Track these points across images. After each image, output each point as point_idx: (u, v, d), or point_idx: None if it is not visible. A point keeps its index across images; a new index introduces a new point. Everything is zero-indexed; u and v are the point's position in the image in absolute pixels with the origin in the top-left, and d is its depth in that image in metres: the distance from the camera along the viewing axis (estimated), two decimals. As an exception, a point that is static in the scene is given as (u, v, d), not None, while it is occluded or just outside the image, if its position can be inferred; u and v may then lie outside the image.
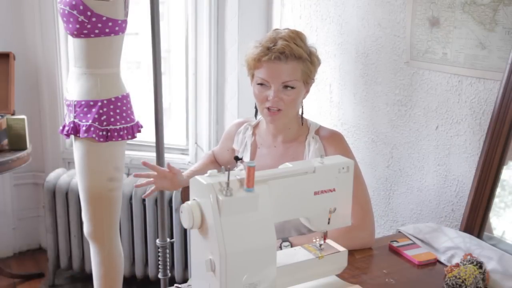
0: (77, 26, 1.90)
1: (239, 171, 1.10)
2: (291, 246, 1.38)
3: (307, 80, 1.52)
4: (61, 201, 2.72)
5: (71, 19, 1.90)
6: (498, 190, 1.50)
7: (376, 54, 1.98)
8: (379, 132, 2.00)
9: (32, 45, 2.93)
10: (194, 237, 1.07)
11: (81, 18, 1.88)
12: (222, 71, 2.74)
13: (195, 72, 2.80)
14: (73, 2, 1.87)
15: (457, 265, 1.26)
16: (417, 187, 1.87)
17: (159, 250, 2.30)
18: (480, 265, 1.26)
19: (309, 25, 2.33)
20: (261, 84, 1.49)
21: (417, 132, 1.85)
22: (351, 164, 1.20)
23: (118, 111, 2.00)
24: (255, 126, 1.67)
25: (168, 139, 2.61)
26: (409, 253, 1.42)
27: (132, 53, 3.01)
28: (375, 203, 1.99)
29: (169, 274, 2.35)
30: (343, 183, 1.19)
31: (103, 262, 2.09)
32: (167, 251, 2.31)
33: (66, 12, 1.90)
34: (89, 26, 1.90)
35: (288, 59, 1.45)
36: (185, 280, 2.70)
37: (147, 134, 2.39)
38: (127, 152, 2.19)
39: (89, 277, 2.49)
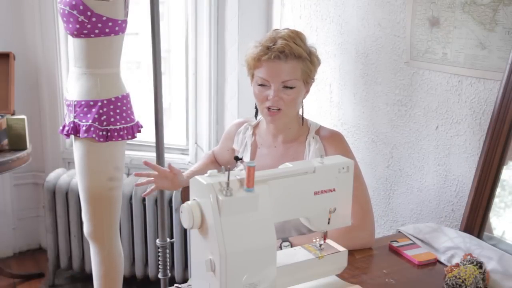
0: (77, 26, 1.90)
1: (239, 171, 1.10)
2: (291, 246, 1.38)
3: (307, 79, 1.52)
4: (61, 201, 2.72)
5: (71, 19, 1.90)
6: (498, 190, 1.50)
7: (376, 54, 1.98)
8: (379, 132, 2.00)
9: (32, 45, 2.93)
10: (194, 237, 1.07)
11: (81, 18, 1.88)
12: (222, 71, 2.74)
13: (195, 72, 2.80)
14: (73, 2, 1.87)
15: (457, 265, 1.26)
16: (417, 187, 1.87)
17: (159, 250, 2.30)
18: (480, 265, 1.26)
19: (309, 25, 2.33)
20: (261, 84, 1.49)
21: (417, 132, 1.85)
22: (351, 164, 1.20)
23: (118, 111, 2.00)
24: (255, 126, 1.67)
25: (168, 139, 2.61)
26: (409, 253, 1.42)
27: (132, 53, 3.01)
28: (375, 203, 1.99)
29: (169, 274, 2.35)
30: (343, 183, 1.19)
31: (103, 262, 2.09)
32: (167, 251, 2.31)
33: (66, 12, 1.90)
34: (89, 26, 1.90)
35: (288, 58, 1.45)
36: (185, 280, 2.70)
37: (147, 134, 2.39)
38: (127, 152, 2.19)
39: (89, 277, 2.49)
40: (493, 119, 1.50)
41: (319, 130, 1.58)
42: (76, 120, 1.99)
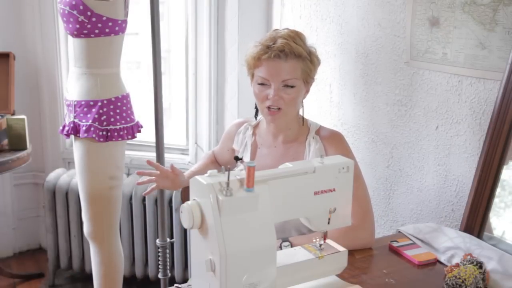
0: (77, 26, 1.90)
1: (239, 171, 1.10)
2: (291, 246, 1.38)
3: (307, 79, 1.52)
4: (61, 201, 2.72)
5: (71, 19, 1.90)
6: (498, 190, 1.50)
7: (376, 54, 1.98)
8: (379, 132, 2.00)
9: (32, 45, 2.93)
10: (194, 237, 1.07)
11: (81, 18, 1.88)
12: (222, 71, 2.74)
13: (195, 72, 2.80)
14: (73, 2, 1.87)
15: (457, 265, 1.26)
16: (417, 187, 1.87)
17: (159, 250, 2.30)
18: (480, 265, 1.26)
19: (309, 25, 2.33)
20: (261, 83, 1.49)
21: (417, 132, 1.85)
22: (351, 164, 1.20)
23: (118, 111, 2.00)
24: (255, 126, 1.67)
25: (168, 139, 2.61)
26: (409, 253, 1.42)
27: (132, 53, 3.01)
28: (375, 203, 1.99)
29: (169, 274, 2.35)
30: (343, 183, 1.19)
31: (103, 262, 2.09)
32: (167, 251, 2.31)
33: (66, 12, 1.90)
34: (89, 26, 1.90)
35: (288, 57, 1.45)
36: (185, 280, 2.70)
37: (147, 134, 2.39)
38: (127, 152, 2.19)
39: (89, 277, 2.49)
40: (493, 119, 1.50)
41: (319, 130, 1.58)
42: (76, 120, 1.99)
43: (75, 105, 2.00)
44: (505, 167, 1.49)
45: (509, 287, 1.25)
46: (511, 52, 1.47)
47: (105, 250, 2.09)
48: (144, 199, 2.66)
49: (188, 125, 2.90)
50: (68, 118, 2.04)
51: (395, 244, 1.47)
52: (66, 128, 2.01)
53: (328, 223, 1.20)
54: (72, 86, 2.02)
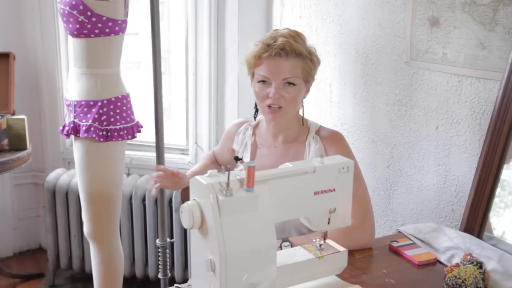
0: (77, 26, 1.90)
1: (239, 171, 1.10)
2: (291, 246, 1.38)
3: (307, 78, 1.52)
4: (61, 201, 2.72)
5: (71, 19, 1.90)
6: (498, 190, 1.50)
7: (376, 54, 1.98)
8: (379, 132, 2.00)
9: (32, 45, 2.93)
10: (194, 237, 1.07)
11: (81, 18, 1.88)
12: (222, 71, 2.74)
13: (195, 72, 2.80)
14: (73, 2, 1.87)
15: (457, 265, 1.26)
16: (417, 187, 1.87)
17: (159, 250, 2.30)
18: (480, 265, 1.26)
19: (309, 25, 2.33)
20: (262, 81, 1.49)
21: (417, 132, 1.85)
22: (351, 164, 1.20)
23: (118, 111, 2.00)
24: (255, 126, 1.67)
25: (168, 139, 2.61)
26: (409, 253, 1.42)
27: (132, 53, 3.01)
28: (375, 203, 1.99)
29: (169, 274, 2.34)
30: (343, 183, 1.19)
31: (103, 262, 2.09)
32: (167, 251, 2.31)
33: (66, 12, 1.90)
34: (89, 26, 1.90)
35: (288, 55, 1.46)
36: (185, 280, 2.70)
37: (147, 134, 2.39)
38: (127, 152, 2.19)
39: (89, 277, 2.49)
40: (493, 119, 1.50)
41: (319, 130, 1.58)
42: (76, 120, 1.99)
43: (75, 105, 2.00)
44: (505, 166, 1.49)
45: (509, 287, 1.25)
46: (511, 52, 1.47)
47: (105, 250, 2.09)
48: (144, 199, 2.66)
49: (188, 125, 2.90)
50: (68, 118, 2.04)
51: (395, 244, 1.47)
52: (66, 128, 2.01)
53: (328, 223, 1.20)
54: (72, 86, 2.02)
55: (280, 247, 1.38)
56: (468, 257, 1.30)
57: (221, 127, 2.78)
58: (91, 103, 1.97)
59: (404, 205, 1.93)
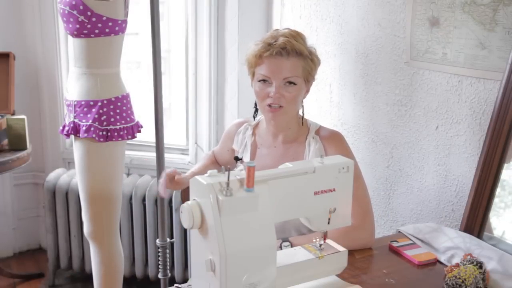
0: (77, 26, 1.90)
1: (239, 171, 1.10)
2: (291, 246, 1.38)
3: (308, 77, 1.52)
4: (61, 201, 2.72)
5: (71, 19, 1.90)
6: (498, 190, 1.50)
7: (376, 54, 1.98)
8: (379, 132, 2.00)
9: (32, 45, 2.93)
10: (194, 237, 1.07)
11: (81, 18, 1.88)
12: (222, 71, 2.74)
13: (195, 72, 2.80)
14: (73, 2, 1.87)
15: (457, 265, 1.26)
16: (417, 187, 1.87)
17: (159, 250, 2.30)
18: (480, 265, 1.26)
19: (309, 25, 2.33)
20: (262, 80, 1.49)
21: (417, 132, 1.85)
22: (351, 164, 1.20)
23: (118, 111, 2.00)
24: (255, 126, 1.67)
25: (168, 139, 2.61)
26: (409, 253, 1.42)
27: (132, 53, 3.01)
28: (375, 203, 1.99)
29: (169, 274, 2.34)
30: (343, 183, 1.19)
31: (103, 262, 2.09)
32: (167, 251, 2.31)
33: (66, 12, 1.90)
34: (89, 26, 1.90)
35: (289, 55, 1.46)
36: (185, 280, 2.70)
37: (147, 134, 2.39)
38: (127, 152, 2.19)
39: (89, 277, 2.49)
40: (493, 119, 1.50)
41: (319, 130, 1.58)
42: (76, 120, 1.99)
43: (75, 105, 2.00)
44: (505, 166, 1.49)
45: (509, 287, 1.25)
46: (511, 52, 1.47)
47: (105, 250, 2.09)
48: (144, 199, 2.66)
49: (188, 125, 2.90)
50: (68, 118, 2.04)
51: (395, 244, 1.47)
52: (66, 128, 2.01)
53: (328, 223, 1.20)
54: (72, 86, 2.02)
55: (280, 247, 1.38)
56: (468, 257, 1.30)
57: (221, 127, 2.78)
58: (91, 103, 1.97)
59: (404, 205, 1.93)
